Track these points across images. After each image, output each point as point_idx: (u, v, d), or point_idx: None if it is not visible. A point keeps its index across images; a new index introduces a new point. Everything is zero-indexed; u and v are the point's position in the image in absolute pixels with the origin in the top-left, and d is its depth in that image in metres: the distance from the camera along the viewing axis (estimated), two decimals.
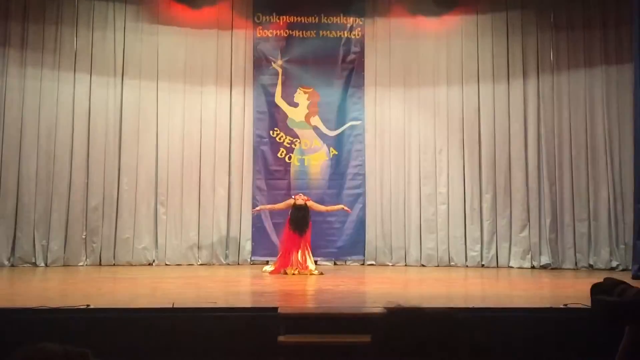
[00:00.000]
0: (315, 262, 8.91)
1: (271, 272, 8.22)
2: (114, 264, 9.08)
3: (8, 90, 9.05)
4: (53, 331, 4.32)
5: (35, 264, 8.87)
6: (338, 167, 9.68)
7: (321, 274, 8.15)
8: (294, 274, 8.02)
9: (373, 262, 9.50)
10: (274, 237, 9.22)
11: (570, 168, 9.31)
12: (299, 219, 8.30)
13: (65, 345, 1.05)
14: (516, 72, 9.58)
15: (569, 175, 9.31)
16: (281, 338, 4.64)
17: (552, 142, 9.39)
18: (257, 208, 9.08)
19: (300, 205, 8.43)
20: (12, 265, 8.79)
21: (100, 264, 9.07)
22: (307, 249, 8.29)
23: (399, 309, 1.15)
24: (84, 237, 9.13)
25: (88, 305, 4.89)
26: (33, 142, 9.07)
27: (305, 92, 9.75)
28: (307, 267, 8.14)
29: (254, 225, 9.45)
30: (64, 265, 8.93)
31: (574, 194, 9.27)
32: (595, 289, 2.38)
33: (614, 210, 9.08)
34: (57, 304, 4.96)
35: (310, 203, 8.59)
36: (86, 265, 9.05)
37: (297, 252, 8.19)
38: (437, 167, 9.64)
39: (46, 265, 8.89)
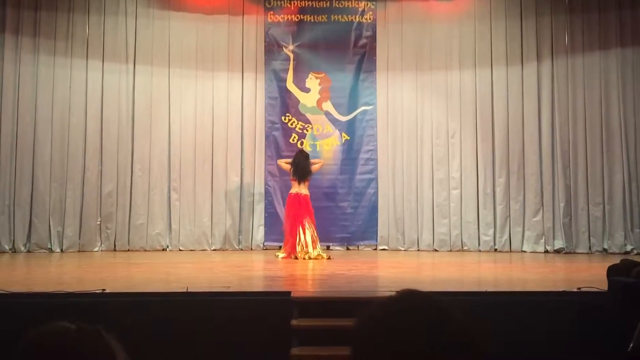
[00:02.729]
0: (328, 247, 8.97)
1: (283, 258, 8.25)
2: (128, 250, 9.17)
3: (21, 78, 9.10)
4: (69, 315, 4.36)
5: (50, 250, 8.97)
6: (350, 152, 9.66)
7: (329, 258, 8.16)
8: (304, 258, 8.04)
9: (386, 247, 9.51)
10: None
11: (584, 151, 9.22)
12: (301, 160, 8.42)
13: (77, 323, 1.06)
14: (530, 55, 9.47)
15: (583, 159, 9.23)
16: (294, 322, 4.68)
17: (566, 126, 9.30)
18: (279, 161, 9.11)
19: (301, 149, 8.94)
20: (28, 251, 8.90)
21: (114, 250, 9.15)
22: (312, 224, 8.26)
23: (409, 293, 1.08)
24: (98, 223, 9.21)
25: (104, 290, 4.95)
26: (47, 130, 9.14)
27: (316, 77, 9.72)
28: (314, 244, 8.14)
29: (266, 210, 9.48)
30: (79, 251, 9.02)
31: (588, 178, 9.19)
32: (612, 270, 2.37)
33: (628, 193, 9.00)
34: (73, 289, 5.02)
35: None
36: (101, 250, 9.13)
37: (301, 226, 8.16)
38: (449, 152, 9.59)
39: (61, 250, 8.99)
